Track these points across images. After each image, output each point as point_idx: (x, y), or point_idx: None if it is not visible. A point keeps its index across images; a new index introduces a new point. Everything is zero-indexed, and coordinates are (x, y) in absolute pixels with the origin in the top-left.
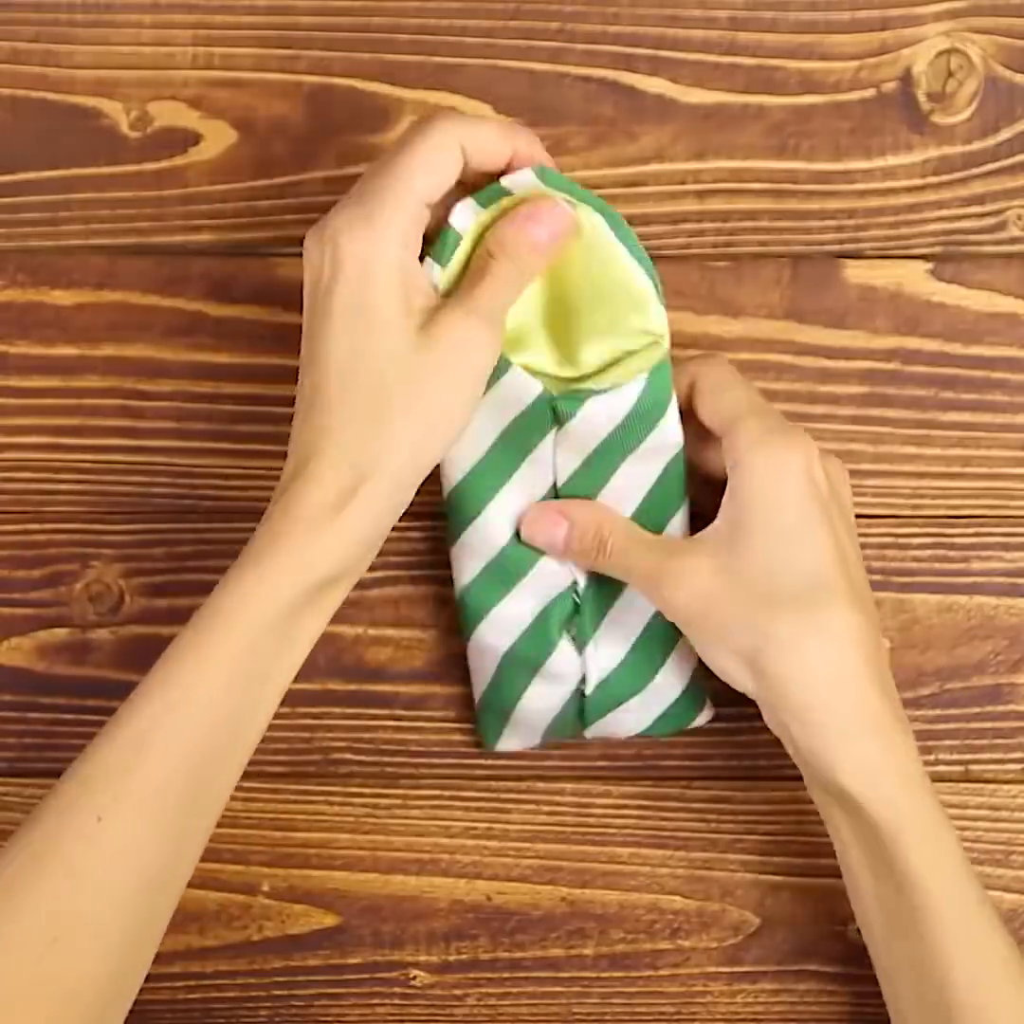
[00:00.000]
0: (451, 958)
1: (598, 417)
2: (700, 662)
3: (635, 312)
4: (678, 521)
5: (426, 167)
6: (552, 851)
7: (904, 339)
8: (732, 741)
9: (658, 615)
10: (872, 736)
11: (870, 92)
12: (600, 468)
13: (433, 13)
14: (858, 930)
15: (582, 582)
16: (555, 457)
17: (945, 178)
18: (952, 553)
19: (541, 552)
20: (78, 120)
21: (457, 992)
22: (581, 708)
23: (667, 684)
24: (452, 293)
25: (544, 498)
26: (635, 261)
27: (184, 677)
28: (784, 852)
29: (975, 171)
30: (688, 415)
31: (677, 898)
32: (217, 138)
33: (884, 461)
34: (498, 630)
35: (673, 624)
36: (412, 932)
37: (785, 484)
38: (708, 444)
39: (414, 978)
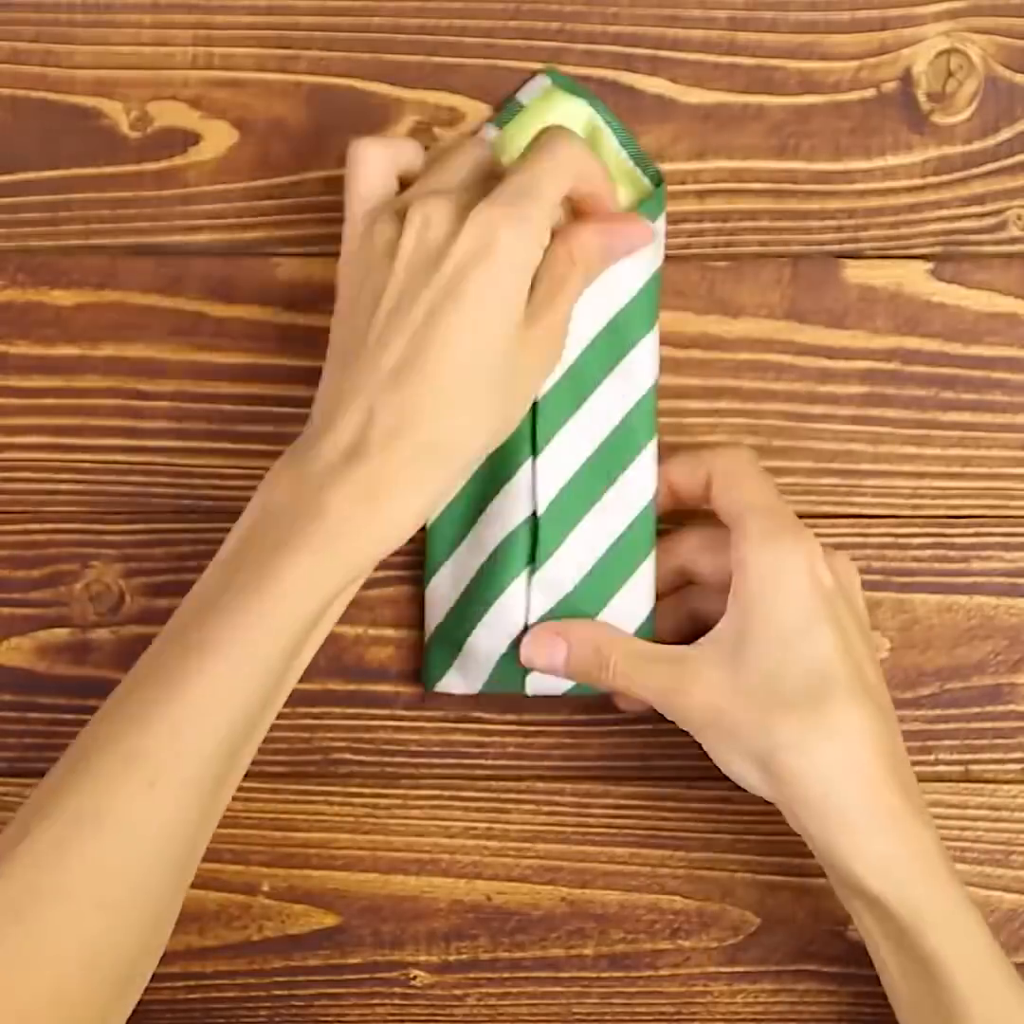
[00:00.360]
0: (451, 958)
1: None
2: (651, 616)
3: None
4: (648, 455)
5: (557, 182)
6: (552, 851)
7: (904, 339)
8: None
9: (611, 549)
10: (888, 832)
11: (870, 92)
12: (581, 383)
13: (433, 13)
14: (858, 930)
15: (543, 509)
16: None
17: (945, 178)
18: (952, 553)
19: (506, 475)
20: (78, 120)
21: (457, 992)
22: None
23: (616, 623)
24: (535, 298)
25: (520, 427)
26: (631, 163)
27: (240, 650)
28: (784, 852)
29: (975, 171)
30: (702, 514)
31: (677, 898)
32: (217, 138)
33: (884, 461)
34: (461, 564)
35: (628, 558)
36: (412, 932)
37: (786, 582)
38: (718, 547)
39: (414, 978)
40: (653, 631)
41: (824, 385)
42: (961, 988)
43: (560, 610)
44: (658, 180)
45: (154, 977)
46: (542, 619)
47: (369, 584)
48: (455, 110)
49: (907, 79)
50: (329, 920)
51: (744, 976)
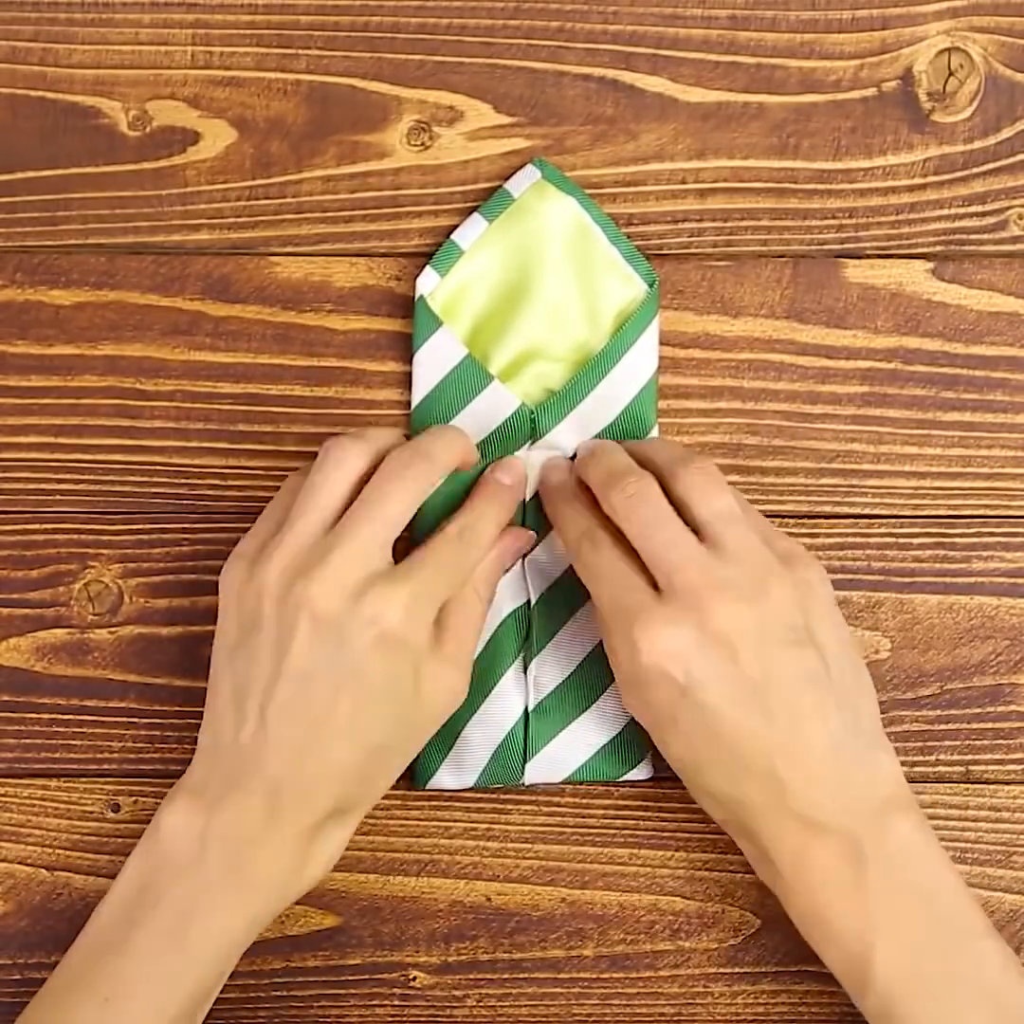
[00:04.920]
0: (451, 959)
1: (577, 429)
2: None
3: (620, 285)
4: None
5: (397, 521)
6: (552, 852)
7: (904, 339)
8: None
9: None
10: None
11: (871, 91)
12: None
13: (433, 12)
14: None
15: (535, 598)
16: (527, 472)
17: (946, 177)
18: (953, 553)
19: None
20: (77, 119)
21: (457, 993)
22: (524, 734)
23: (608, 715)
24: (436, 644)
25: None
26: (622, 259)
27: (146, 991)
28: None
29: (976, 170)
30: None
31: (677, 899)
32: (216, 137)
33: (884, 461)
34: None
35: None
36: (412, 933)
37: (638, 691)
38: None
39: (414, 979)
40: None
41: (824, 385)
42: None
43: (555, 699)
44: (652, 279)
45: None
46: (538, 708)
47: None
48: (454, 109)
49: (908, 78)
50: (329, 921)
51: (744, 977)
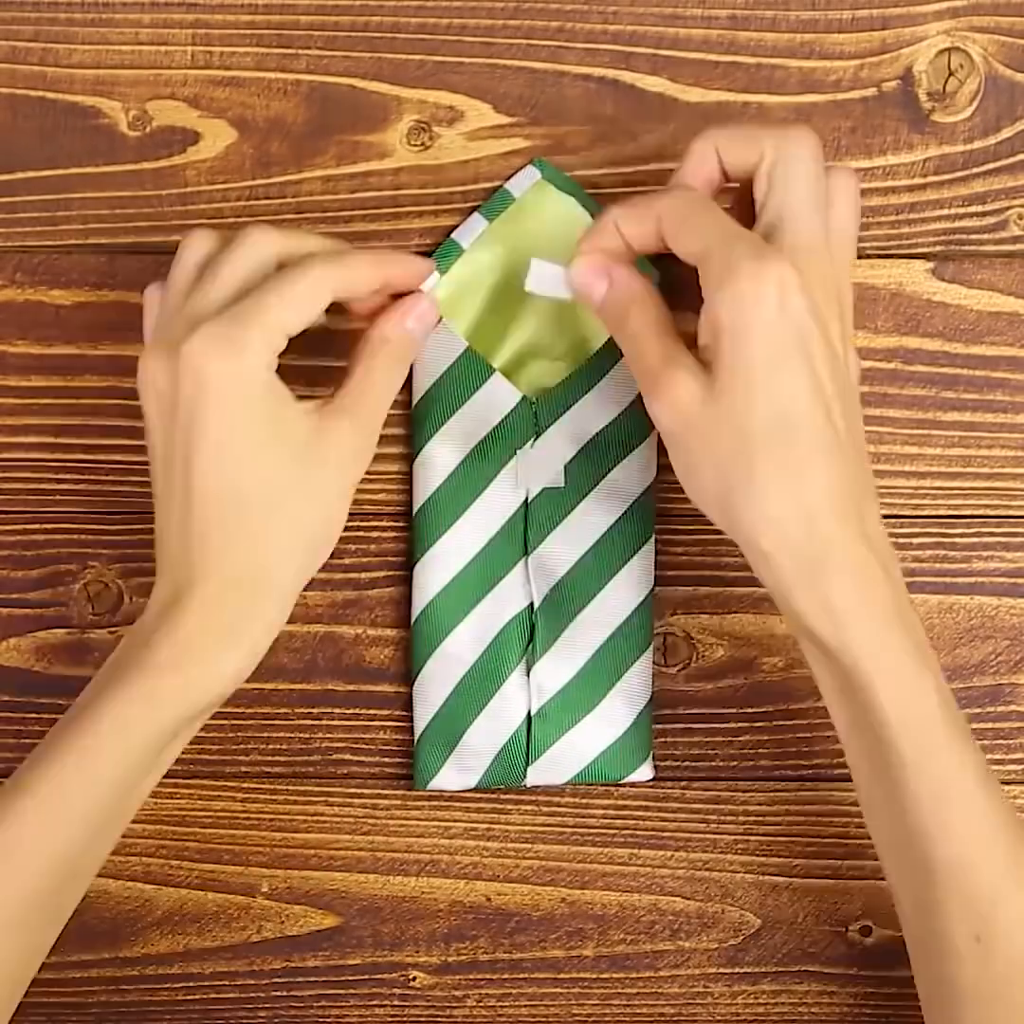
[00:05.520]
0: (451, 959)
1: (578, 424)
2: (645, 711)
3: None
4: (645, 553)
5: (293, 305)
6: (552, 852)
7: (905, 338)
8: (733, 741)
9: (608, 642)
10: (838, 577)
11: (871, 91)
12: (571, 488)
13: (432, 12)
14: (859, 930)
15: (538, 602)
16: (529, 470)
17: (946, 177)
18: (953, 553)
19: (501, 572)
20: (77, 119)
21: (457, 993)
22: (527, 737)
23: (611, 716)
24: (334, 399)
25: (513, 516)
26: None
27: (67, 784)
28: (784, 852)
29: (976, 170)
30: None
31: (677, 899)
32: (216, 137)
33: (884, 461)
34: (453, 658)
35: (622, 654)
36: (412, 933)
37: (751, 321)
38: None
39: (413, 979)
40: (649, 723)
41: None
42: (898, 743)
43: (558, 702)
44: (652, 278)
45: (153, 977)
46: (542, 709)
47: (369, 585)
48: (454, 109)
49: (908, 78)
50: (328, 921)
51: (744, 977)
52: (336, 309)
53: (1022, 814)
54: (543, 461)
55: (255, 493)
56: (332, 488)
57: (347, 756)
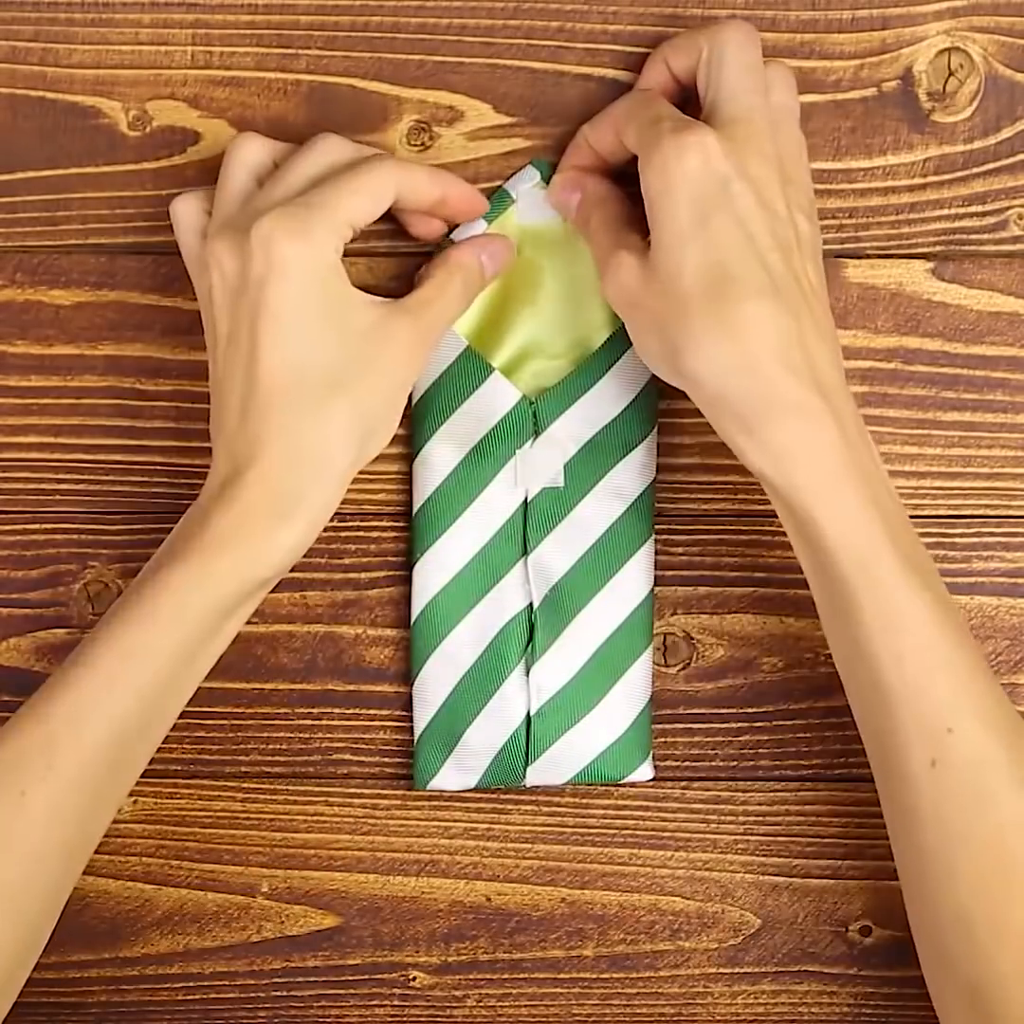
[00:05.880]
0: (451, 959)
1: (578, 424)
2: (645, 711)
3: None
4: (643, 554)
5: (360, 194)
6: (552, 852)
7: (905, 338)
8: (732, 741)
9: (608, 642)
10: (782, 419)
11: (871, 91)
12: (571, 488)
13: (432, 12)
14: (859, 930)
15: (538, 602)
16: (529, 470)
17: (946, 177)
18: (953, 553)
19: (501, 572)
20: (77, 119)
21: (457, 993)
22: (526, 737)
23: (611, 716)
24: (398, 301)
25: (512, 516)
26: None
27: (127, 652)
28: (784, 852)
29: (976, 170)
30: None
31: (677, 899)
32: (216, 137)
33: (884, 461)
34: (453, 658)
35: (622, 654)
36: (412, 933)
37: (672, 185)
38: None
39: (413, 979)
40: (649, 723)
41: None
42: (846, 575)
43: (557, 702)
44: None
45: (153, 977)
46: (541, 709)
47: (369, 585)
48: (454, 109)
49: (908, 78)
50: (328, 921)
51: (744, 977)
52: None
53: None
54: (543, 461)
55: (318, 371)
56: (391, 377)
57: (347, 756)
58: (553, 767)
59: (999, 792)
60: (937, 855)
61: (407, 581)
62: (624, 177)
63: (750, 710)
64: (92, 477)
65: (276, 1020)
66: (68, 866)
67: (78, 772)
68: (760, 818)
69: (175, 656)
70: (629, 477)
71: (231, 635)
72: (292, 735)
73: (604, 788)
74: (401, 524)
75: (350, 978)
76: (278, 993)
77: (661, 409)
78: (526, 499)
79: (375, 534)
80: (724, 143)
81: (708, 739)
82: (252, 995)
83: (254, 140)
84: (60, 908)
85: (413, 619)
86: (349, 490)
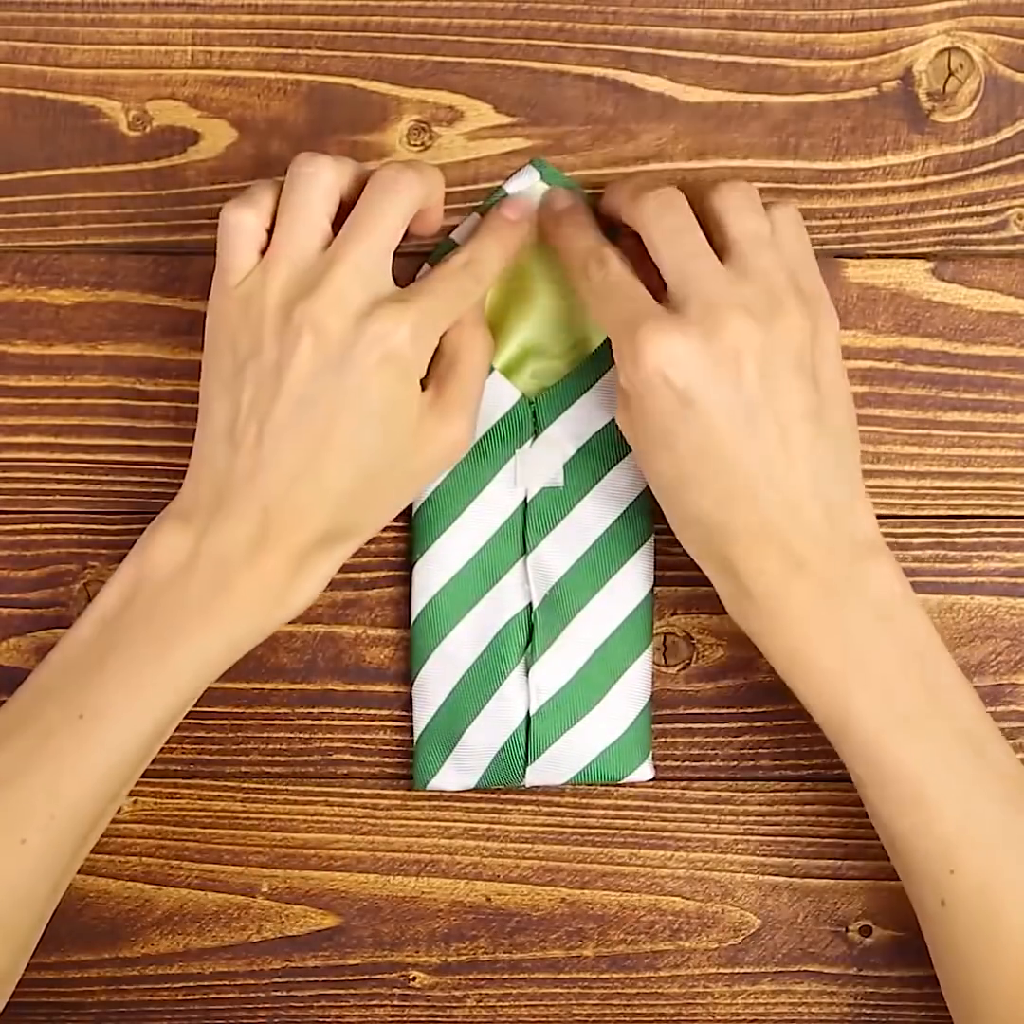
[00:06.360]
0: (451, 959)
1: (578, 423)
2: (645, 711)
3: None
4: (643, 554)
5: (463, 294)
6: (552, 852)
7: (904, 338)
8: (732, 741)
9: (608, 642)
10: (752, 603)
11: (871, 91)
12: (571, 488)
13: (432, 12)
14: (859, 930)
15: (538, 602)
16: (528, 470)
17: (946, 177)
18: (953, 553)
19: (500, 572)
20: (77, 119)
21: (457, 993)
22: (526, 737)
23: (610, 716)
24: (440, 388)
25: (512, 516)
26: None
27: (129, 718)
28: (784, 852)
29: (976, 170)
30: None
31: (677, 899)
32: (216, 137)
33: (884, 461)
34: (452, 658)
35: (622, 654)
36: (412, 933)
37: (640, 395)
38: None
39: (413, 979)
40: (649, 723)
41: None
42: (836, 740)
43: (557, 702)
44: None
45: (153, 977)
46: (541, 709)
47: (369, 584)
48: (454, 109)
49: (908, 78)
50: (328, 921)
51: (744, 977)
52: None
53: None
54: (542, 460)
55: (384, 467)
56: (427, 473)
57: (347, 756)
58: (553, 767)
59: (1013, 918)
60: (961, 988)
61: (407, 581)
62: None
63: (750, 710)
64: (92, 477)
65: (276, 1020)
66: (50, 898)
67: (70, 829)
68: (760, 818)
69: (178, 709)
70: (629, 477)
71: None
72: (292, 735)
73: (604, 788)
74: (401, 524)
75: (350, 978)
76: (278, 993)
77: None
78: (526, 499)
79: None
80: (685, 343)
81: (708, 739)
82: (252, 995)
83: (328, 167)
84: (40, 932)
85: (413, 619)
86: None
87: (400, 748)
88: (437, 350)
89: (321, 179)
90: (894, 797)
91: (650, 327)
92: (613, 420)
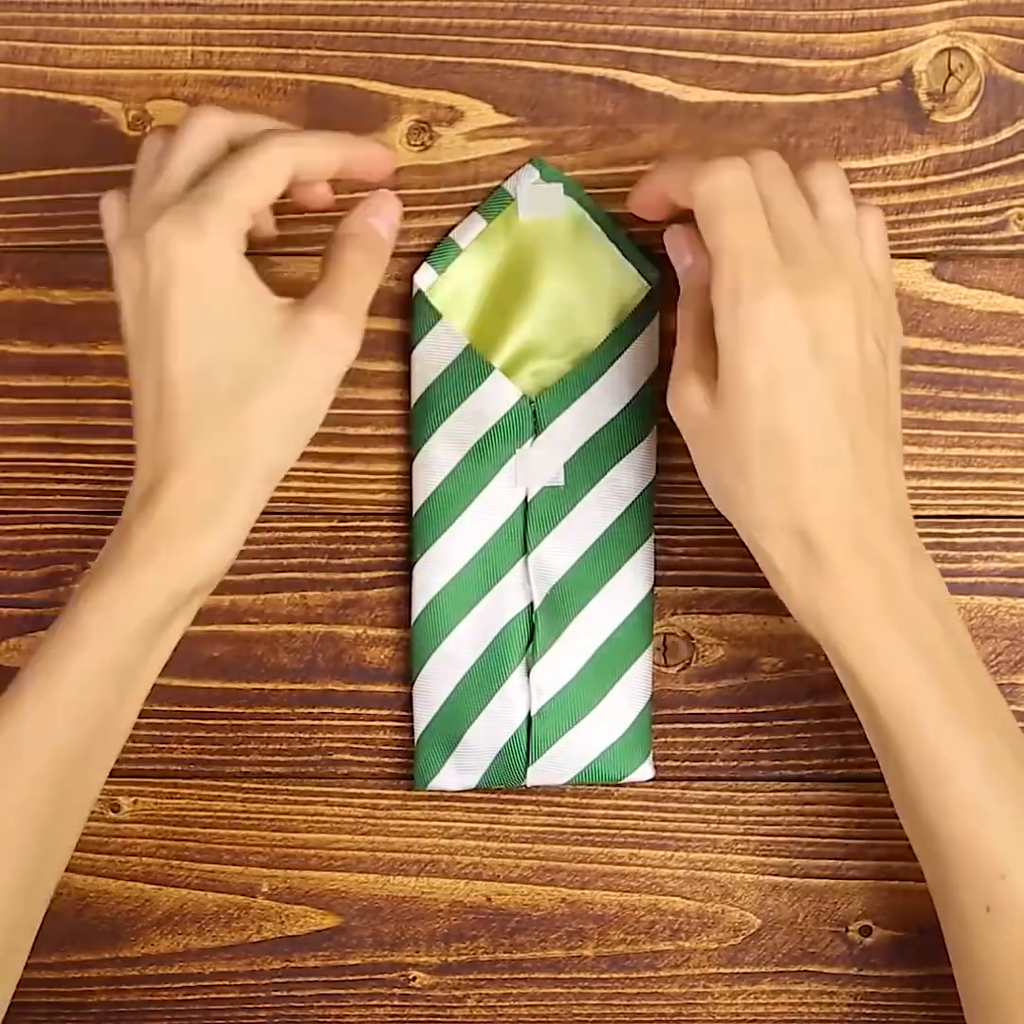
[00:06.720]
0: (451, 959)
1: (578, 423)
2: (645, 711)
3: (619, 297)
4: (643, 553)
5: (253, 180)
6: (552, 852)
7: (905, 338)
8: (732, 741)
9: (608, 642)
10: (821, 587)
11: (871, 91)
12: (571, 488)
13: (433, 12)
14: (859, 930)
15: (538, 602)
16: (529, 469)
17: (946, 177)
18: (953, 553)
19: (501, 572)
20: (77, 119)
21: (457, 993)
22: (527, 738)
23: (611, 716)
24: (312, 293)
25: (513, 515)
26: (622, 257)
27: (60, 678)
28: (784, 852)
29: (976, 170)
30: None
31: (677, 899)
32: None
33: None
34: (453, 658)
35: (622, 654)
36: (412, 933)
37: (749, 342)
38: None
39: (414, 979)
40: (649, 723)
41: None
42: (893, 731)
43: (558, 703)
44: (652, 278)
45: (153, 977)
46: (542, 709)
47: (369, 585)
48: (454, 109)
49: (908, 78)
50: (328, 921)
51: (744, 977)
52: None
53: None
54: (543, 460)
55: (226, 376)
56: (309, 375)
57: (347, 756)
58: (553, 767)
59: None
60: (999, 1000)
61: (407, 581)
62: None
63: (750, 710)
64: (92, 477)
65: (276, 1020)
66: (29, 898)
67: (21, 803)
68: (760, 818)
69: (111, 676)
70: (629, 476)
71: (171, 646)
72: (292, 735)
73: (604, 788)
74: (401, 524)
75: (350, 978)
76: (278, 993)
77: (661, 409)
78: (526, 498)
79: (375, 534)
80: (798, 301)
81: (708, 739)
82: (252, 995)
83: (156, 135)
84: (25, 947)
85: (413, 619)
86: (349, 490)
87: (400, 748)
88: (321, 263)
89: (209, 131)
90: (950, 797)
91: (789, 273)
92: (613, 420)
